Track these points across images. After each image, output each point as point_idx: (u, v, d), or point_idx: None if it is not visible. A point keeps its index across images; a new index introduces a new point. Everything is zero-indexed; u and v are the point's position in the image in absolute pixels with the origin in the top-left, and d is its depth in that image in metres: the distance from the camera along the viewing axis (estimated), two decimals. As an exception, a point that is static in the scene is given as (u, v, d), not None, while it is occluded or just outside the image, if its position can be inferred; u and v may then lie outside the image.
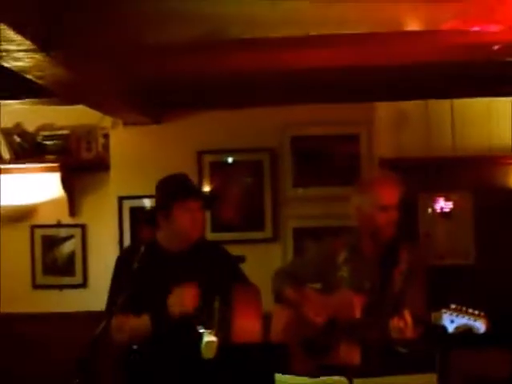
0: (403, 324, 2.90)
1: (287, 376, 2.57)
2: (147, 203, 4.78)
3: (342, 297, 3.20)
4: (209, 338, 2.75)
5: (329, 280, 3.33)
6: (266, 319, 3.15)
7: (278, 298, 3.41)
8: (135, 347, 3.08)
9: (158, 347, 3.01)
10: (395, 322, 2.92)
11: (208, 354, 2.74)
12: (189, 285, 2.97)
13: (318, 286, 3.40)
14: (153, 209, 3.27)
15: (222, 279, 3.08)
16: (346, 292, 3.20)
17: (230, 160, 4.95)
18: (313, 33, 2.71)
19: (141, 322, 2.99)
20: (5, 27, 2.32)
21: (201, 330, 2.80)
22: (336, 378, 2.50)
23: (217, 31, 2.63)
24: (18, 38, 2.46)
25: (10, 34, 2.40)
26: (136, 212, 4.86)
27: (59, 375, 4.77)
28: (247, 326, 2.94)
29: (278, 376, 2.57)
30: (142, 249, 3.08)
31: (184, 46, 2.84)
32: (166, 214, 3.10)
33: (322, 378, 2.52)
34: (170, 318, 2.93)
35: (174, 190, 3.11)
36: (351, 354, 3.12)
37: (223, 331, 2.83)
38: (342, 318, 3.16)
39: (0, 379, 5.09)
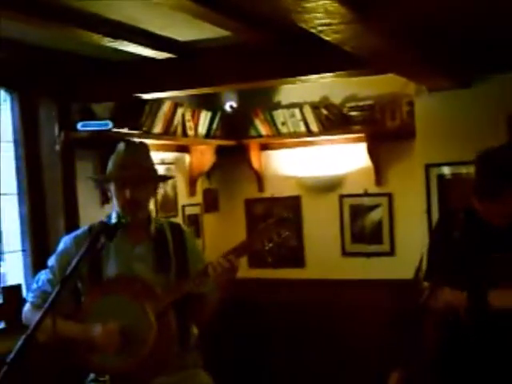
0: None
1: None
2: (454, 170, 4.67)
3: None
4: None
5: None
6: None
7: None
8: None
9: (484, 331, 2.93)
10: None
11: None
12: None
13: None
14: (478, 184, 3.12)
15: None
16: None
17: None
18: None
19: (456, 298, 2.91)
20: (332, 1, 2.39)
21: None
22: None
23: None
24: (342, 10, 2.52)
25: (336, 7, 2.46)
26: (443, 180, 4.76)
27: (365, 338, 4.95)
28: None
29: None
30: (461, 216, 3.02)
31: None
32: (494, 195, 2.96)
33: None
34: (489, 308, 2.83)
35: (505, 173, 2.92)
36: None
37: None
38: None
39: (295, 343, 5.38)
